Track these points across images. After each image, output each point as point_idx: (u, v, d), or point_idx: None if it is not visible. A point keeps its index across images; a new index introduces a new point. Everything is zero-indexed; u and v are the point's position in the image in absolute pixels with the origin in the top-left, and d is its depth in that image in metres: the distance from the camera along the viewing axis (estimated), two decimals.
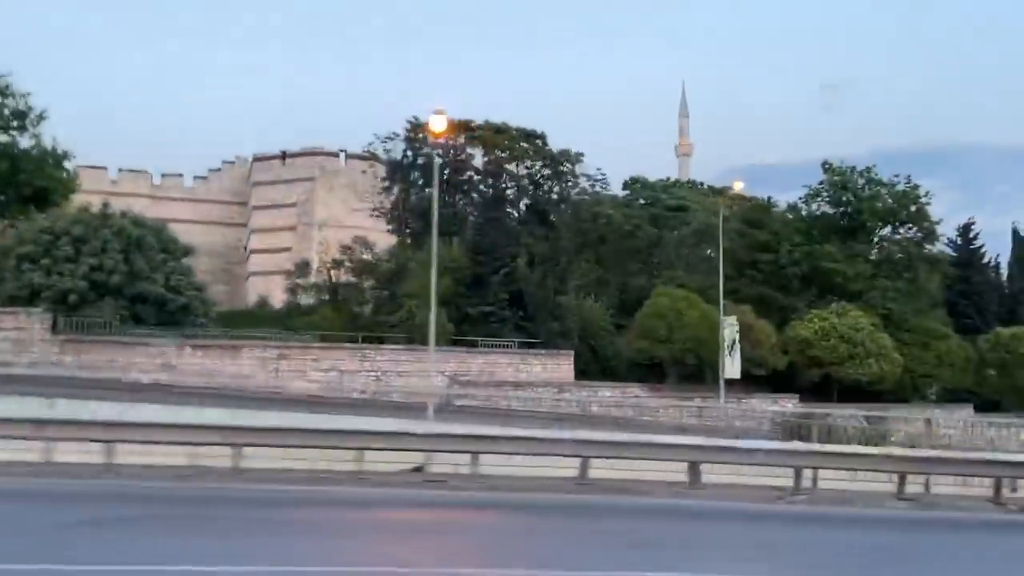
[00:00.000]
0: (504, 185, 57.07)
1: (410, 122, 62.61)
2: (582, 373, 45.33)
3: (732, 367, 38.49)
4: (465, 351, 40.61)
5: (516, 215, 64.17)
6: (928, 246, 46.90)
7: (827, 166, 46.16)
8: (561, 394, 39.24)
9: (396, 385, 36.67)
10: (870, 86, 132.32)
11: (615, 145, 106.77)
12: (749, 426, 32.71)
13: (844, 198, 45.60)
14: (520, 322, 45.01)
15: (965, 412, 42.49)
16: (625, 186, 66.07)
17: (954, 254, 61.31)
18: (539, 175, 67.00)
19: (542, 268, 45.54)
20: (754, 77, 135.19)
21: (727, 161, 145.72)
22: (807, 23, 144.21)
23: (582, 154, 65.57)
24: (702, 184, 72.40)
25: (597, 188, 67.16)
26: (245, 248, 74.88)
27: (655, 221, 57.49)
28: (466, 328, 44.72)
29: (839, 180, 45.66)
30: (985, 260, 63.49)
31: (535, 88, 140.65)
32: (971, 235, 63.05)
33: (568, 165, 66.48)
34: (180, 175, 78.69)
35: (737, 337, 38.58)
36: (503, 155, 65.01)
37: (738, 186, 40.99)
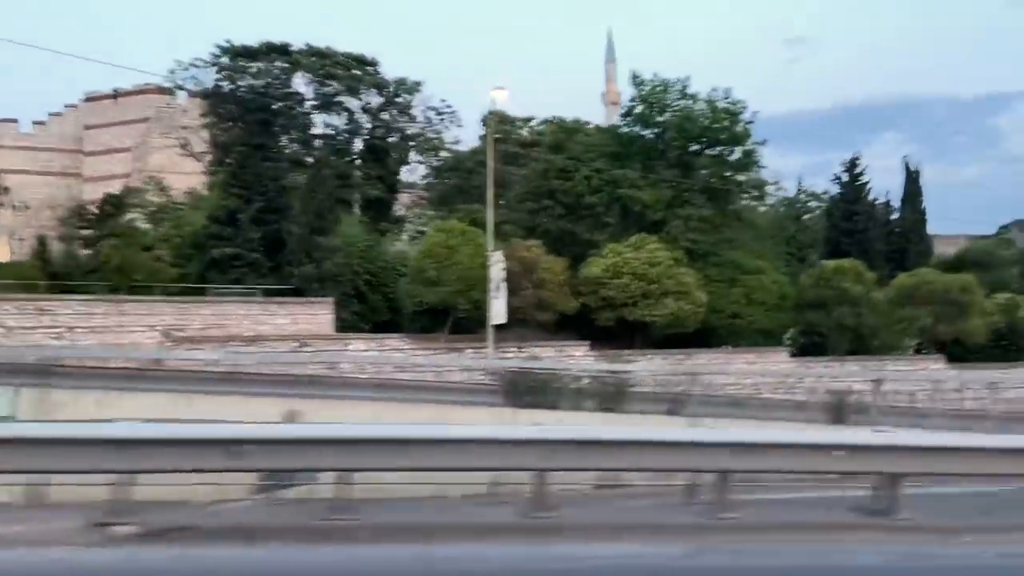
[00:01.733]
0: (292, 108, 50.31)
1: (221, 47, 55.43)
2: (356, 325, 39.46)
3: (499, 311, 32.82)
4: (191, 301, 34.15)
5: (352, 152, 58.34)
6: (752, 171, 41.54)
7: (637, 80, 40.26)
8: (302, 349, 33.13)
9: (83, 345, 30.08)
10: (833, 41, 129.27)
11: (546, 89, 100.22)
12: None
13: (653, 117, 39.86)
14: (288, 267, 38.63)
15: (781, 356, 37.85)
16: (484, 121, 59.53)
17: (840, 191, 57.88)
18: (375, 108, 60.39)
19: (314, 204, 39.00)
20: (717, 31, 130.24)
21: None
22: None
23: (420, 83, 59.06)
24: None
25: (444, 122, 60.99)
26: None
27: (505, 158, 51.42)
28: (213, 275, 38.18)
29: (647, 95, 39.82)
30: (878, 199, 59.43)
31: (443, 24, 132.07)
32: (856, 171, 58.75)
33: (406, 96, 60.07)
34: (14, 120, 70.35)
35: (504, 276, 32.82)
36: (339, 86, 58.28)
37: (499, 96, 34.70)
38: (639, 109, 40.07)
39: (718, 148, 39.96)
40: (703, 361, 36.62)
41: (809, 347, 38.68)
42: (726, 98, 40.11)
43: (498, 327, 35.00)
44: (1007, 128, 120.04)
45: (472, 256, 34.79)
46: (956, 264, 52.95)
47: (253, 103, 45.22)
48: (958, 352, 42.38)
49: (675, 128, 38.87)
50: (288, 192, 41.19)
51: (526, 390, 25.16)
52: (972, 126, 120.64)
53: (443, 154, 60.61)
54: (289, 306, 35.61)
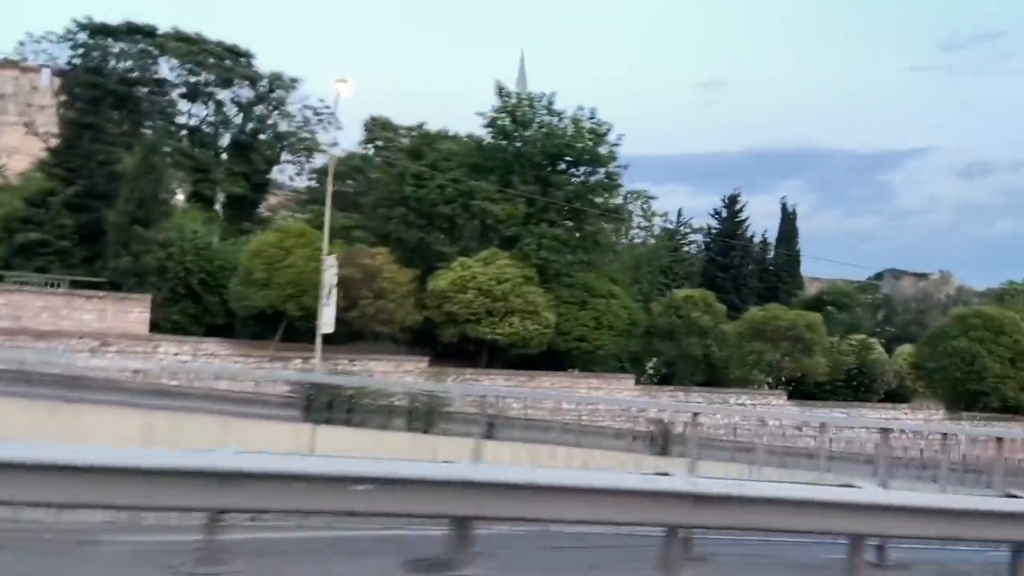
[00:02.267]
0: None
1: (78, 23, 51.26)
2: (186, 327, 36.33)
3: (328, 320, 30.52)
4: None
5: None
6: (610, 193, 40.77)
7: (502, 91, 38.96)
8: (104, 348, 29.89)
9: None
10: (745, 86, 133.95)
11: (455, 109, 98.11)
12: None
13: (517, 130, 38.60)
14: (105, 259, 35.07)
15: (626, 383, 36.98)
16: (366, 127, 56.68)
17: (718, 227, 58.18)
18: (247, 102, 57.01)
19: (138, 192, 35.56)
20: (635, 70, 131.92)
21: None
22: (688, 21, 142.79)
23: (296, 80, 56.06)
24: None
25: (322, 123, 58.12)
26: None
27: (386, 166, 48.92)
28: (19, 262, 34.36)
29: (512, 108, 38.55)
30: (759, 238, 60.41)
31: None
32: (736, 207, 59.30)
33: (281, 92, 57.00)
34: None
35: (335, 282, 30.57)
36: (209, 76, 54.64)
37: (344, 89, 32.56)
38: (502, 122, 38.74)
39: (581, 168, 39.02)
40: (547, 384, 35.39)
41: (661, 376, 38.13)
42: (591, 118, 39.31)
43: (335, 338, 32.73)
44: (898, 184, 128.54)
45: (307, 259, 32.41)
46: (815, 303, 54.07)
47: (108, 85, 41.70)
48: (810, 390, 42.90)
49: (537, 143, 37.69)
50: (120, 178, 37.71)
51: (326, 406, 23.05)
52: (867, 180, 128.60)
53: (318, 156, 57.81)
54: (98, 301, 32.20)
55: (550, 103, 39.46)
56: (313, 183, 54.33)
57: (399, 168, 38.89)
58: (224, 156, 54.24)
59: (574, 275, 37.10)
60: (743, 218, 59.46)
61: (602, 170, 40.00)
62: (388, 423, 23.92)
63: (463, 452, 24.32)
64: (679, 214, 60.84)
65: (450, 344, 36.15)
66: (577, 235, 37.47)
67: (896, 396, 45.07)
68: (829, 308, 54.45)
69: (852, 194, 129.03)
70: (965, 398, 42.13)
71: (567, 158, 38.37)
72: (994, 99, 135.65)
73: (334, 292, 30.50)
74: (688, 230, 62.15)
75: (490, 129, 39.02)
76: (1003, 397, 41.00)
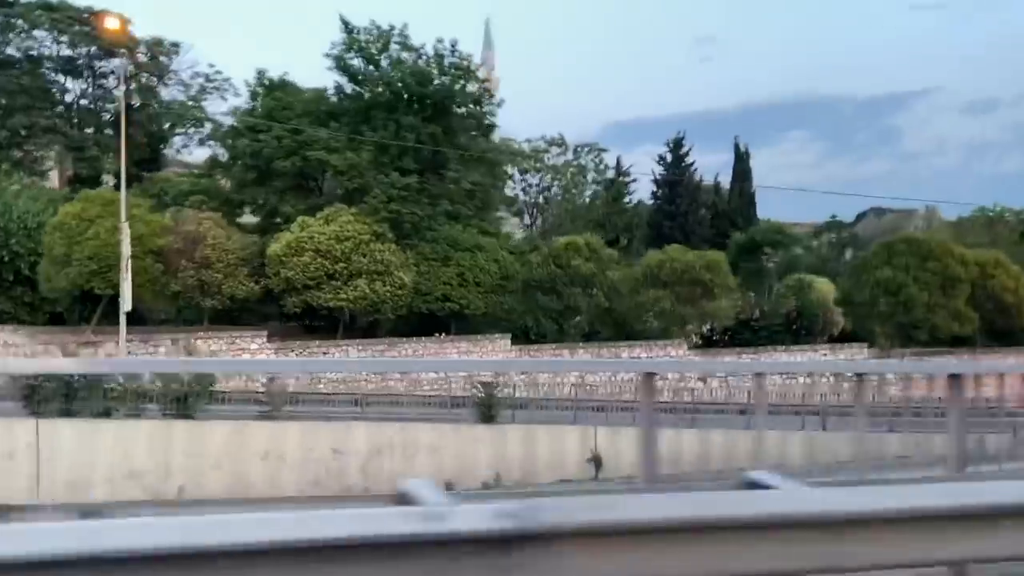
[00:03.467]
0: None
1: None
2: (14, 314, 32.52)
3: (126, 295, 26.61)
4: None
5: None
6: (484, 137, 36.62)
7: (349, 27, 34.60)
8: None
9: None
10: (741, 40, 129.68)
11: None
12: None
13: (362, 69, 34.38)
14: None
15: (501, 344, 33.09)
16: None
17: (663, 172, 54.41)
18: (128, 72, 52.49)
19: None
20: (627, 31, 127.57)
21: (601, 117, 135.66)
22: None
23: (177, 44, 51.54)
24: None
25: (217, 90, 53.62)
26: None
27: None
28: None
29: (360, 44, 34.28)
30: (706, 180, 57.00)
31: None
32: (682, 152, 55.25)
33: (163, 59, 52.49)
34: None
35: (130, 253, 26.62)
36: (85, 46, 50.17)
37: (110, 23, 28.29)
38: (350, 61, 34.48)
39: (456, 112, 34.83)
40: (408, 352, 31.59)
41: (546, 333, 34.19)
42: (454, 52, 35.08)
43: (158, 316, 28.87)
44: (904, 127, 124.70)
45: (112, 231, 28.41)
46: (750, 245, 50.26)
47: None
48: (747, 337, 39.15)
49: (392, 84, 33.51)
50: None
51: (53, 396, 19.23)
52: (874, 125, 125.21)
53: (208, 125, 53.37)
54: None
55: (405, 37, 35.19)
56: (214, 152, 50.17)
57: (243, 122, 34.74)
58: (108, 132, 50.05)
59: (437, 229, 33.07)
60: (689, 163, 55.73)
61: (470, 111, 35.92)
62: (141, 410, 20.16)
63: (234, 438, 20.63)
64: (618, 163, 56.68)
65: (302, 314, 32.31)
66: (454, 185, 33.34)
67: (852, 337, 41.29)
68: (766, 249, 50.79)
69: (859, 140, 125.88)
70: (895, 333, 38.38)
71: (427, 100, 34.13)
72: (995, 34, 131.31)
73: (130, 264, 26.56)
74: (630, 179, 57.90)
75: (339, 72, 34.78)
76: (934, 329, 37.19)
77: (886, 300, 37.18)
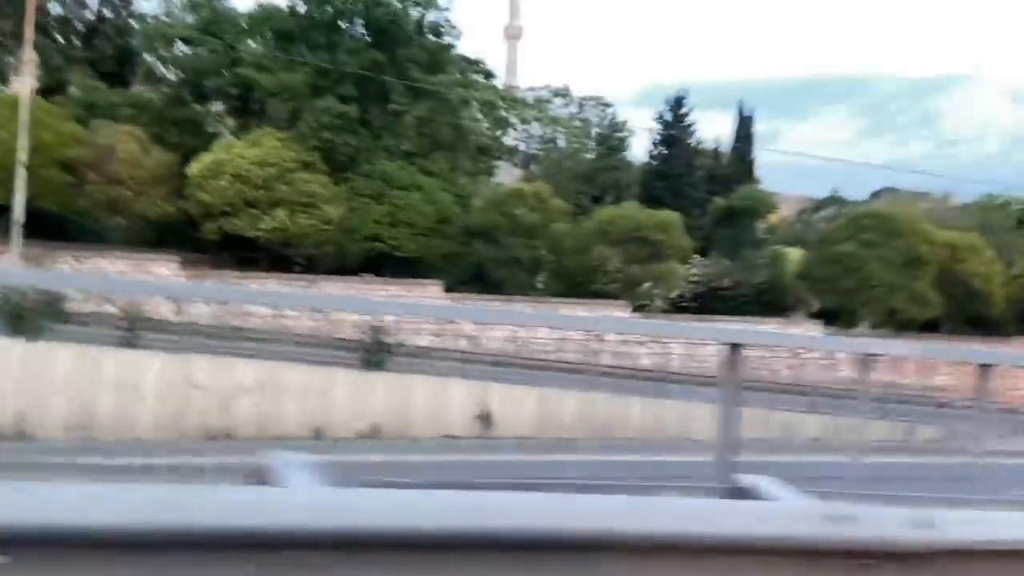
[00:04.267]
0: None
1: None
2: None
3: (18, 206, 24.87)
4: None
5: None
6: (442, 67, 34.38)
7: None
8: None
9: None
10: (790, 8, 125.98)
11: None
12: None
13: None
14: None
15: (433, 290, 31.40)
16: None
17: (662, 132, 50.86)
18: None
19: None
20: None
21: (643, 77, 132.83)
22: None
23: None
24: None
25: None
26: None
27: None
28: None
29: None
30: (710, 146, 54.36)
31: None
32: (682, 111, 52.73)
33: None
34: None
35: (22, 162, 24.80)
36: None
37: None
38: None
39: (395, 37, 32.61)
40: (331, 291, 29.92)
41: (486, 283, 32.46)
42: None
43: (62, 232, 27.21)
44: (947, 110, 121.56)
45: (15, 136, 26.52)
46: (727, 211, 48.37)
47: None
48: (718, 306, 37.56)
49: (334, 1, 31.28)
50: None
51: None
52: (916, 106, 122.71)
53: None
54: None
55: None
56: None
57: (173, 33, 32.58)
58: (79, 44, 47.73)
59: (375, 163, 31.16)
60: (689, 123, 53.22)
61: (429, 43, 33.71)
62: None
63: (83, 365, 19.02)
64: (613, 118, 54.40)
65: (234, 244, 30.53)
66: (396, 118, 31.31)
67: (828, 315, 39.62)
68: (745, 217, 48.90)
69: (900, 121, 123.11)
70: (852, 310, 36.73)
71: (373, 24, 31.94)
72: None
73: (21, 174, 24.76)
74: (626, 135, 55.64)
75: None
76: (890, 309, 35.48)
77: (846, 276, 35.45)
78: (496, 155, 47.58)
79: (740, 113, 57.21)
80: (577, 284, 34.55)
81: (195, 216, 29.29)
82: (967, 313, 39.43)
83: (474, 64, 48.27)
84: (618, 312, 33.33)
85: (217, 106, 33.92)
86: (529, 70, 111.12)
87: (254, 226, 28.31)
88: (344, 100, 30.22)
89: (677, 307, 40.42)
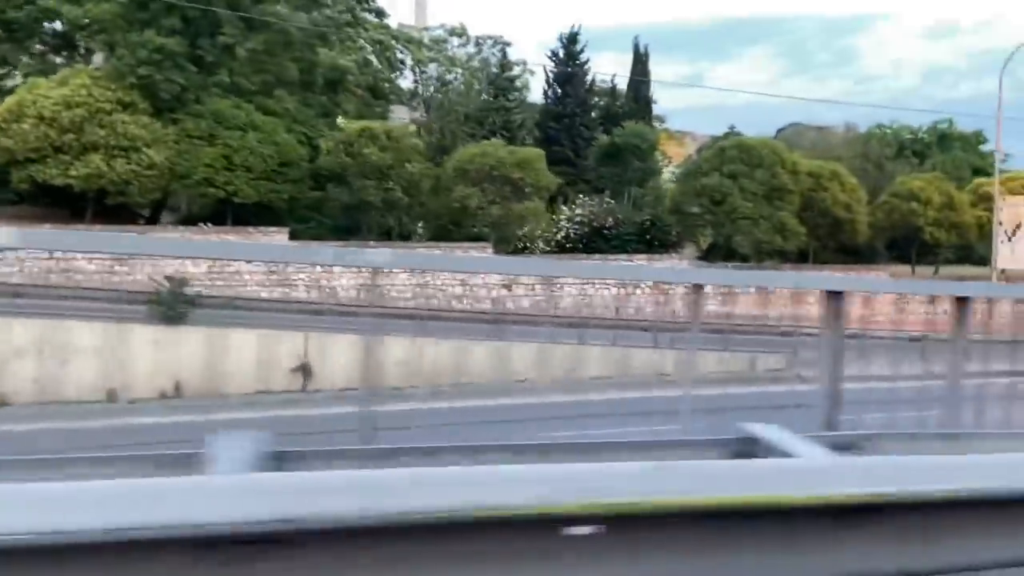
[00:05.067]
0: None
1: None
2: None
3: None
4: None
5: None
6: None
7: None
8: None
9: None
10: None
11: None
12: None
13: None
14: None
15: (277, 238, 29.44)
16: None
17: (555, 71, 49.41)
18: None
19: None
20: None
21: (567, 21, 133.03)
22: None
23: None
24: None
25: None
26: None
27: None
28: None
29: None
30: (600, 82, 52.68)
31: None
32: (576, 48, 50.66)
33: None
34: None
35: None
36: None
37: None
38: None
39: None
40: (159, 238, 27.64)
41: (345, 228, 30.63)
42: None
43: None
44: (864, 48, 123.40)
45: None
46: (613, 150, 47.43)
47: None
48: (600, 245, 36.74)
49: None
50: None
51: None
52: (834, 44, 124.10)
53: None
54: None
55: None
56: None
57: None
58: None
59: (205, 102, 28.68)
60: (583, 60, 51.41)
61: None
62: None
63: None
64: (503, 56, 52.21)
65: (40, 191, 27.77)
66: (243, 49, 28.70)
67: (713, 247, 39.23)
68: (631, 154, 48.13)
69: (819, 59, 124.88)
70: (720, 243, 36.65)
71: None
72: None
73: None
74: (517, 74, 53.61)
75: None
76: (756, 241, 35.41)
77: (711, 208, 35.13)
78: (391, 97, 45.93)
79: (635, 51, 55.98)
80: (448, 228, 33.19)
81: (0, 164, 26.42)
82: (834, 242, 39.90)
83: (363, 2, 46.21)
84: (479, 253, 32.15)
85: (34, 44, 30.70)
86: (444, 12, 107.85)
87: (66, 173, 25.64)
88: (172, 34, 27.53)
89: (563, 248, 39.59)
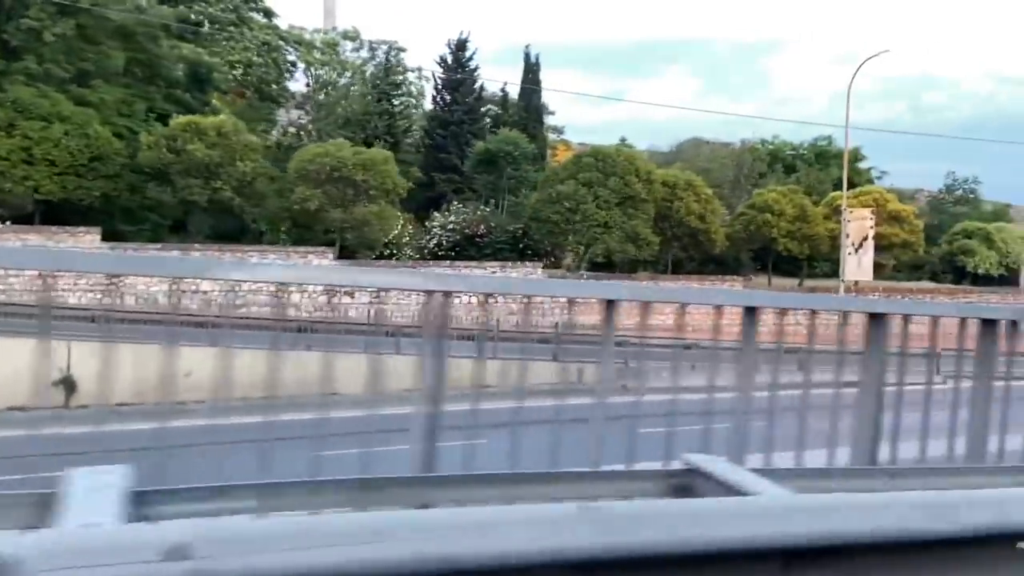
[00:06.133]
0: None
1: None
2: None
3: None
4: None
5: None
6: None
7: None
8: None
9: None
10: None
11: None
12: None
13: None
14: None
15: (87, 239, 27.00)
16: None
17: (443, 78, 48.29)
18: None
19: None
20: None
21: (499, 38, 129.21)
22: None
23: None
24: None
25: None
26: None
27: None
28: None
29: None
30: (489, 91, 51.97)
31: None
32: (466, 55, 49.12)
33: None
34: None
35: None
36: None
37: None
38: None
39: None
40: None
41: (169, 228, 28.43)
42: None
43: None
44: (777, 72, 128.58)
45: None
46: (487, 157, 46.42)
47: None
48: (471, 252, 35.44)
49: None
50: None
51: None
52: (750, 67, 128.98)
53: None
54: None
55: None
56: None
57: None
58: None
59: (7, 90, 26.08)
60: (473, 67, 49.99)
61: None
62: None
63: None
64: (387, 60, 50.56)
65: None
66: (51, 34, 26.12)
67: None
68: (505, 161, 47.25)
69: (734, 81, 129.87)
70: (580, 253, 36.09)
71: None
72: None
73: None
74: (399, 79, 52.05)
75: None
76: (608, 250, 35.03)
77: (567, 217, 34.53)
78: (280, 100, 44.74)
79: (526, 60, 55.18)
80: (296, 231, 31.40)
81: None
82: (700, 253, 40.03)
83: (250, 1, 44.39)
84: (318, 260, 30.45)
85: None
86: (357, 18, 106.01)
87: None
88: None
89: (435, 256, 38.24)
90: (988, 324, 3.90)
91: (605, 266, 36.70)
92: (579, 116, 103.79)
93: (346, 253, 32.12)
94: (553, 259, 38.93)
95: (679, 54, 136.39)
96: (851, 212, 38.67)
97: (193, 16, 39.09)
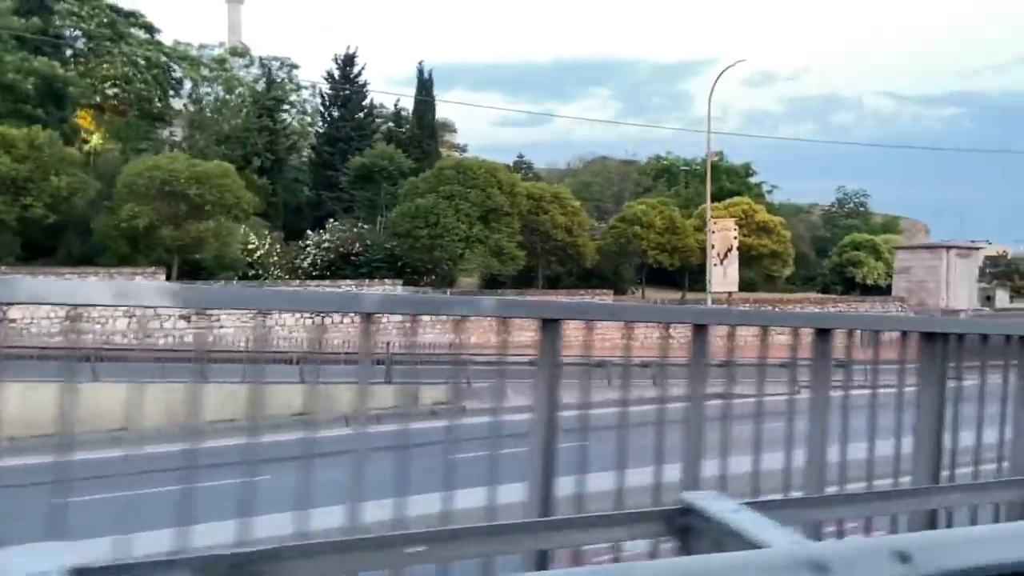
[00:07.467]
0: None
1: None
2: None
3: None
4: None
5: None
6: None
7: None
8: None
9: None
10: None
11: None
12: None
13: None
14: None
15: None
16: None
17: (331, 93, 46.65)
18: None
19: None
20: None
21: (418, 56, 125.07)
22: None
23: None
24: None
25: None
26: None
27: None
28: None
29: None
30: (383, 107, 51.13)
31: None
32: (354, 70, 46.81)
33: None
34: None
35: None
36: None
37: None
38: None
39: None
40: None
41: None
42: None
43: None
44: (695, 93, 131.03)
45: None
46: (366, 173, 44.49)
47: None
48: (350, 272, 33.43)
49: None
50: None
51: None
52: (668, 89, 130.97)
53: None
54: None
55: None
56: None
57: None
58: None
59: None
60: (362, 83, 47.87)
61: None
62: None
63: None
64: (268, 75, 48.23)
65: None
66: None
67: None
68: (381, 177, 45.45)
69: (654, 102, 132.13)
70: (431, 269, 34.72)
71: None
72: (779, 9, 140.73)
73: None
74: (281, 95, 49.62)
75: None
76: (465, 267, 33.84)
77: (425, 231, 33.15)
78: (165, 117, 42.51)
79: (419, 76, 53.41)
80: (127, 251, 28.87)
81: None
82: (577, 268, 39.24)
83: (129, 16, 42.35)
84: (147, 280, 28.08)
85: None
86: (262, 35, 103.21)
87: None
88: None
89: (308, 275, 36.18)
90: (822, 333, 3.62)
91: (491, 283, 35.47)
92: (509, 138, 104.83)
93: (195, 274, 29.75)
94: (435, 276, 37.49)
95: (600, 76, 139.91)
96: (715, 223, 38.71)
97: (64, 31, 37.37)
